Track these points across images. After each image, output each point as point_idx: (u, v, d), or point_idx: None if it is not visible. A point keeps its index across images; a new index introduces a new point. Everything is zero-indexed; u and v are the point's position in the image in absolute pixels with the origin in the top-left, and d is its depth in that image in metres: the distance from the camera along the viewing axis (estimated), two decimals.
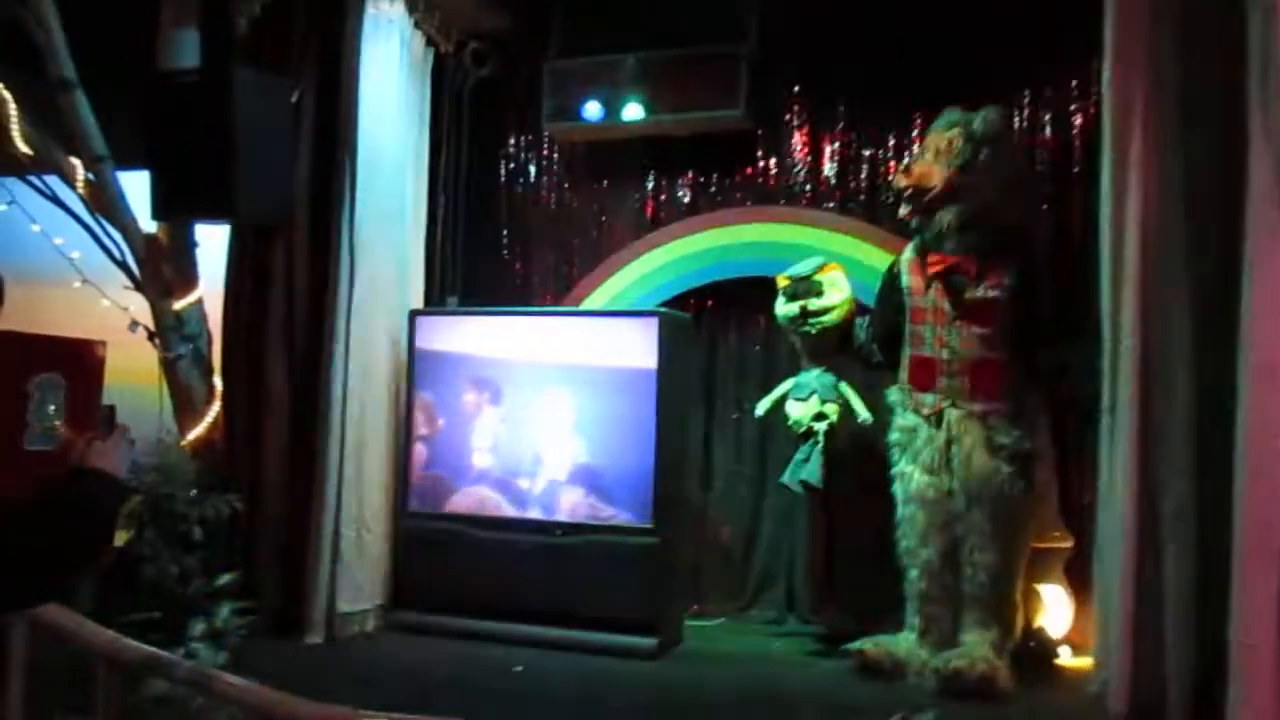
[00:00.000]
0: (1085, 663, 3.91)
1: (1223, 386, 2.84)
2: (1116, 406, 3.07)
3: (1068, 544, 4.01)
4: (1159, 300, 3.00)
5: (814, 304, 3.89)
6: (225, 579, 3.71)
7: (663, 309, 4.24)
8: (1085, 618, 4.09)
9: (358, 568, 4.00)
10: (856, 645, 3.70)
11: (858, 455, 4.11)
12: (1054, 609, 3.99)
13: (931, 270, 3.65)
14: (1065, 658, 3.93)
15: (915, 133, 4.41)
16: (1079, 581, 4.06)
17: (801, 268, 3.97)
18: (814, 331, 3.91)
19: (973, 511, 3.57)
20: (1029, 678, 3.57)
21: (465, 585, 4.03)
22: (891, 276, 3.82)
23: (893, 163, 4.42)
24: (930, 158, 3.61)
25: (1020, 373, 3.59)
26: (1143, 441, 2.99)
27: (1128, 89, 3.06)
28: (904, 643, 3.68)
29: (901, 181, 3.66)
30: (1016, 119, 4.25)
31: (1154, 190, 3.00)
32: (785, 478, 3.92)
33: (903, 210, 3.69)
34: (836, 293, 3.92)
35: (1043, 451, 3.73)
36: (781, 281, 4.00)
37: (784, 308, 3.97)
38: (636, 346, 3.99)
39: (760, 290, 4.62)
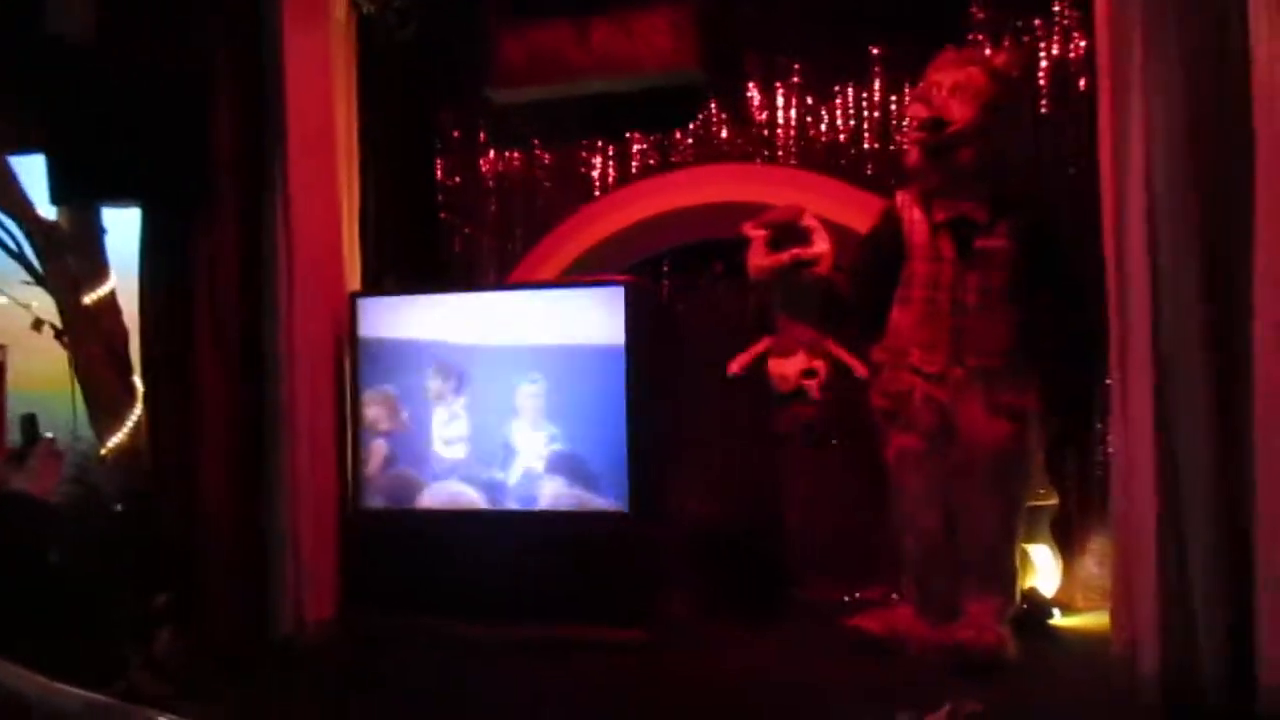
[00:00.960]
0: (1077, 622, 3.86)
1: (1238, 326, 2.74)
2: (1127, 359, 2.92)
3: (1053, 501, 3.90)
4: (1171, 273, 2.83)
5: (804, 251, 3.57)
6: (161, 599, 3.37)
7: (628, 277, 3.97)
8: (1073, 577, 4.04)
9: (318, 576, 3.67)
10: (855, 621, 3.52)
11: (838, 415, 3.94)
12: (1043, 569, 3.89)
13: (939, 217, 3.45)
14: (1058, 618, 3.84)
15: (877, 84, 4.25)
16: (1065, 540, 4.01)
17: (781, 214, 3.67)
18: (806, 281, 3.64)
19: (973, 475, 3.41)
20: (1029, 642, 3.44)
21: (439, 585, 3.75)
22: (890, 223, 3.58)
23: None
24: (947, 93, 3.36)
25: (1024, 329, 3.43)
26: (1159, 393, 2.85)
27: (1124, 20, 2.88)
28: (902, 615, 3.52)
29: (921, 112, 3.38)
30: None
31: (1157, 137, 2.83)
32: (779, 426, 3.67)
33: (918, 145, 3.41)
34: (822, 240, 3.64)
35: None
36: (755, 231, 3.66)
37: (768, 258, 3.62)
38: (605, 318, 3.72)
39: (719, 253, 4.44)
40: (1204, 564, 2.79)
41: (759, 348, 3.79)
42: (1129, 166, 2.86)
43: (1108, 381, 3.68)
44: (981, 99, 3.33)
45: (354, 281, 4.17)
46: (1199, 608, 2.79)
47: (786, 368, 3.70)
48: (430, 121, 4.77)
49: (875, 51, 4.23)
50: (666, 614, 3.87)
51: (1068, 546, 4.00)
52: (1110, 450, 3.35)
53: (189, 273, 3.71)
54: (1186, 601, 2.82)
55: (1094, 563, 4.07)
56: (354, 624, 3.82)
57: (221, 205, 3.67)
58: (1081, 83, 3.97)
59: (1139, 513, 2.88)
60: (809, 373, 3.66)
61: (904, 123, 3.60)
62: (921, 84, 3.47)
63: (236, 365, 3.71)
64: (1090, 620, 3.85)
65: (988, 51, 3.40)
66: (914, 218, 3.51)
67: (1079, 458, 4.05)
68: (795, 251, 3.57)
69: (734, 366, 3.78)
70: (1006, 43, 3.44)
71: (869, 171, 4.29)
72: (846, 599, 3.84)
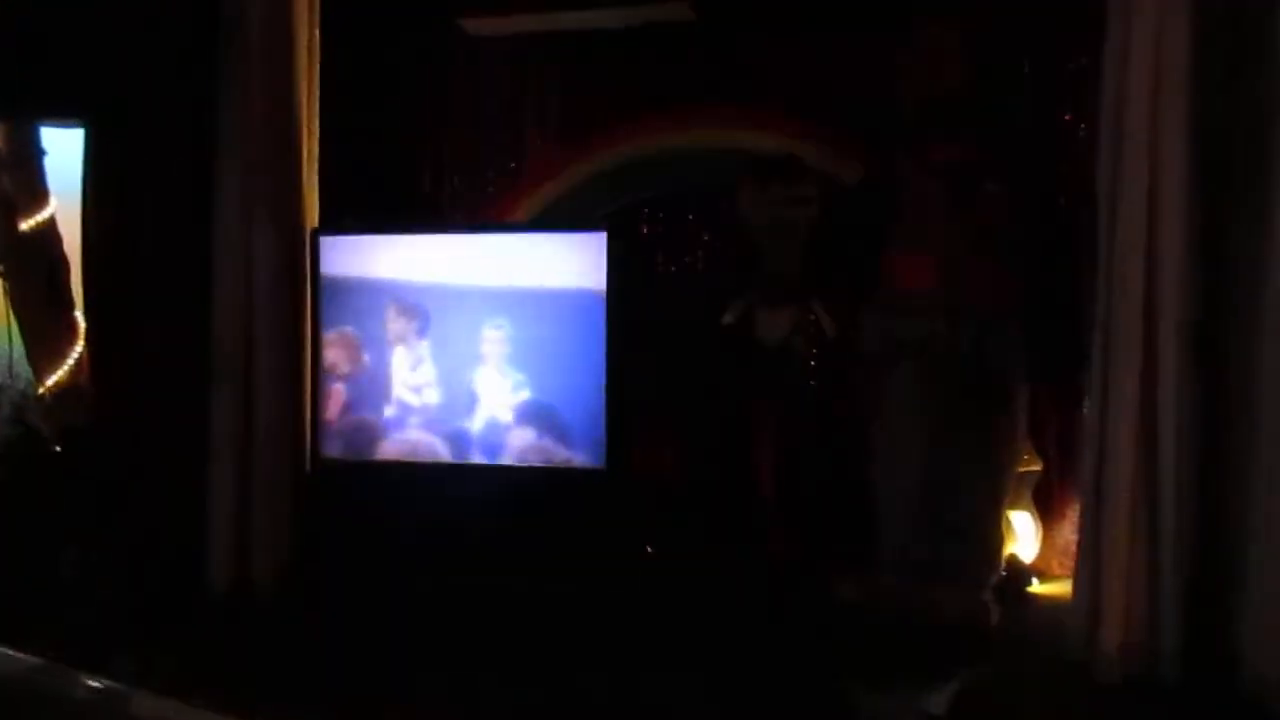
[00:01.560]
0: (1056, 589, 3.79)
1: (1230, 283, 2.63)
2: (1110, 320, 2.79)
3: (1036, 467, 3.80)
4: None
5: (800, 191, 3.46)
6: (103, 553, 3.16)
7: (610, 223, 3.77)
8: (1051, 543, 3.97)
9: (270, 529, 3.47)
10: (835, 587, 3.41)
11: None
12: (1023, 535, 3.80)
13: (932, 160, 3.32)
14: (1036, 585, 3.77)
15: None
16: (1046, 507, 3.93)
17: (775, 156, 3.55)
18: (800, 220, 3.49)
19: (959, 437, 3.30)
20: (1007, 610, 3.36)
21: (400, 538, 3.57)
22: (880, 169, 3.47)
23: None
24: (930, 65, 3.31)
25: (1013, 286, 3.31)
26: (1145, 360, 2.73)
27: None
28: (884, 582, 3.41)
29: (912, 92, 3.33)
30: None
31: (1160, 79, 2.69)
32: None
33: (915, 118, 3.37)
34: (812, 186, 3.52)
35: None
36: (749, 174, 3.56)
37: (762, 194, 3.51)
38: (583, 265, 3.53)
39: (699, 203, 4.26)
40: (1175, 541, 2.71)
41: (749, 298, 3.61)
42: (1127, 113, 2.72)
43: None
44: (966, 59, 3.27)
45: (313, 216, 3.92)
46: (1166, 583, 2.72)
47: (776, 322, 3.53)
48: (399, 50, 4.51)
49: None
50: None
51: (1047, 513, 3.93)
52: (1086, 414, 3.26)
53: (135, 199, 3.44)
54: (1154, 577, 2.74)
55: (1072, 530, 4.01)
56: (307, 578, 3.63)
57: (169, 127, 3.40)
58: None
59: (1112, 482, 2.78)
60: (804, 324, 3.50)
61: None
62: (907, 57, 3.34)
63: (185, 301, 3.47)
64: (1067, 587, 3.81)
65: None
66: (905, 163, 3.39)
67: (1061, 422, 3.98)
68: (789, 191, 3.47)
69: (728, 316, 3.61)
70: None
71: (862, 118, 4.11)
72: (822, 560, 3.71)
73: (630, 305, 3.73)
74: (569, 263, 3.58)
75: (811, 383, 3.45)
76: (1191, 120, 2.65)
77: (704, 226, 4.26)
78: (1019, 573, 3.69)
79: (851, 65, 4.10)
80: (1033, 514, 3.85)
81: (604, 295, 3.50)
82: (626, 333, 3.70)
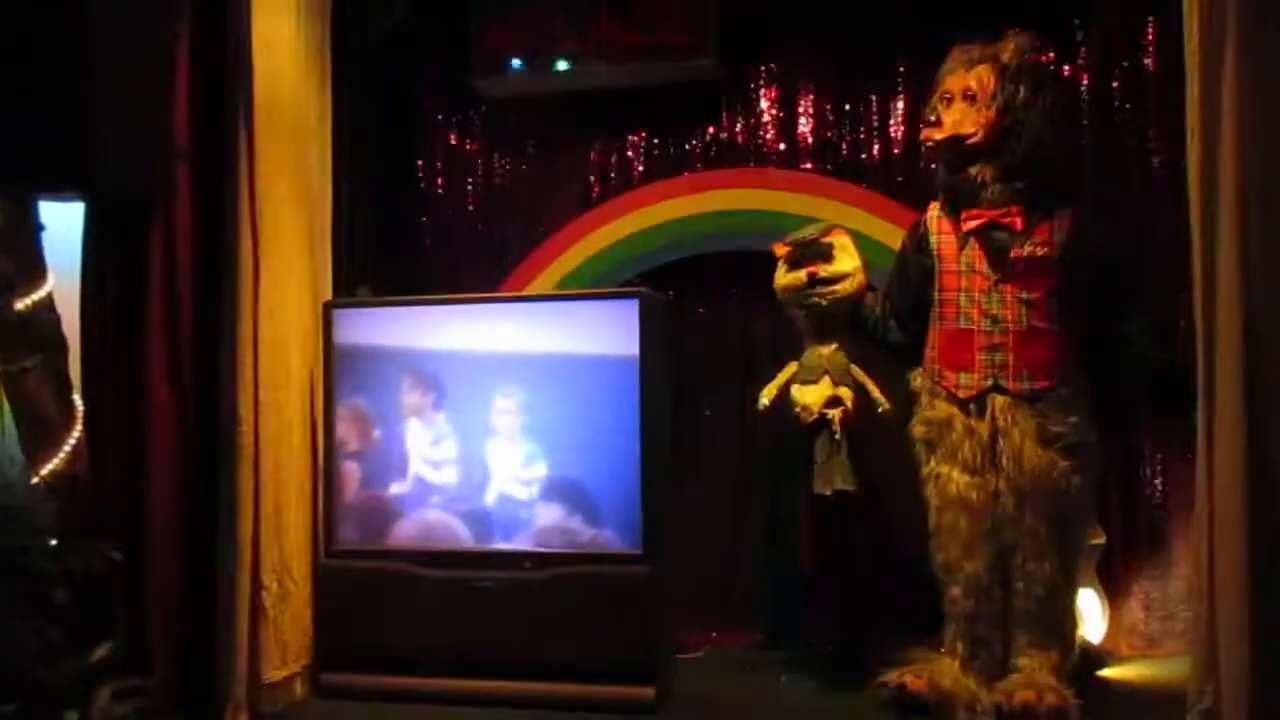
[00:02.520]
0: (1124, 673, 3.52)
1: None
2: (1214, 389, 2.56)
3: (1100, 540, 3.56)
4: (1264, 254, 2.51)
5: (824, 270, 3.30)
6: (101, 651, 2.89)
7: (642, 288, 3.57)
8: (1118, 622, 3.71)
9: (282, 625, 3.20)
10: (893, 677, 3.14)
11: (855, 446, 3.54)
12: (1090, 615, 3.54)
13: (967, 227, 3.13)
14: (1106, 670, 3.51)
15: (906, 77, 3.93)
16: (1112, 583, 3.68)
17: (807, 231, 3.38)
18: (824, 303, 3.30)
19: (1025, 515, 3.06)
20: (1084, 699, 3.08)
21: (416, 637, 3.30)
22: (917, 238, 3.28)
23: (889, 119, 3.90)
24: (959, 103, 3.09)
25: (1073, 348, 3.10)
26: (1250, 420, 2.50)
27: None
28: (947, 671, 3.14)
29: (935, 135, 3.11)
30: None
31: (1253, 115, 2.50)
32: (818, 485, 3.29)
33: (940, 169, 3.21)
34: (848, 259, 3.34)
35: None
36: (781, 249, 3.39)
37: (787, 276, 3.35)
38: (612, 333, 3.32)
39: (730, 268, 4.08)
40: None
41: (785, 374, 3.40)
42: (1220, 152, 2.52)
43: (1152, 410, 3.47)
44: (997, 102, 3.06)
45: (326, 290, 3.73)
46: None
47: (808, 395, 3.30)
48: (414, 115, 4.36)
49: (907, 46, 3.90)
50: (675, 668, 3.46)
51: (1114, 590, 3.68)
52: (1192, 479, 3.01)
53: (139, 275, 3.23)
54: (1275, 655, 2.48)
55: (1140, 606, 3.76)
56: (323, 683, 3.36)
57: (178, 201, 3.22)
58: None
59: (1226, 557, 2.53)
60: (833, 401, 3.27)
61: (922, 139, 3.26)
62: (933, 95, 3.17)
63: (192, 383, 3.24)
64: (1137, 670, 3.56)
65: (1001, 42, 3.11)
66: (943, 229, 3.21)
67: (1125, 491, 3.74)
68: (812, 269, 3.30)
69: (764, 398, 3.39)
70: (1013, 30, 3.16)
71: (899, 180, 3.96)
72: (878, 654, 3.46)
73: (666, 375, 3.54)
74: (602, 330, 3.37)
75: (843, 457, 3.21)
76: None
77: (731, 293, 4.10)
78: (1089, 656, 3.42)
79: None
80: (1099, 591, 3.60)
81: (638, 363, 3.29)
82: (665, 404, 3.49)
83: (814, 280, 3.30)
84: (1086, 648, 3.42)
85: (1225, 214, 2.52)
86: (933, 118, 3.13)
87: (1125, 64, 3.83)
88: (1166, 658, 3.62)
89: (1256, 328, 2.49)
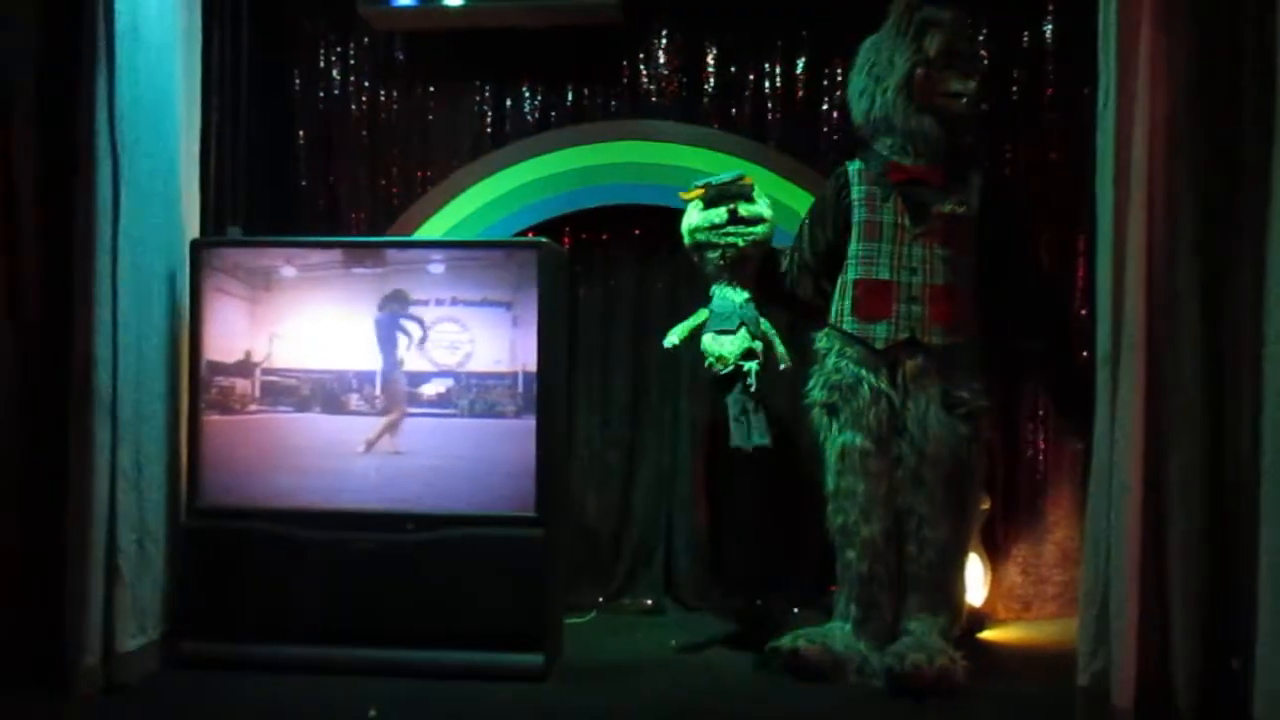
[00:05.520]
0: (1002, 635, 3.60)
1: (1240, 328, 2.46)
2: (1120, 357, 2.59)
3: (985, 506, 3.60)
4: (1169, 228, 2.54)
5: (745, 209, 3.19)
6: None
7: (540, 238, 3.40)
8: (998, 586, 3.79)
9: (141, 589, 2.94)
10: (785, 642, 3.11)
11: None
12: (973, 579, 3.60)
13: (895, 178, 3.12)
14: (985, 632, 3.58)
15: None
16: (992, 547, 3.74)
17: (723, 176, 3.27)
18: (742, 242, 3.19)
19: (925, 480, 3.07)
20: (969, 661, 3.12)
21: (288, 602, 3.09)
22: (838, 188, 3.23)
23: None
24: (963, 65, 3.14)
25: (975, 306, 3.14)
26: (1149, 394, 2.54)
27: None
28: (839, 635, 3.13)
29: (971, 86, 3.12)
30: None
31: (1164, 99, 2.52)
32: (736, 439, 3.18)
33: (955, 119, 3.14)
34: (765, 206, 3.25)
35: None
36: (691, 194, 3.25)
37: (702, 214, 3.20)
38: (504, 284, 3.17)
39: (626, 221, 3.95)
40: (1184, 586, 2.51)
41: (697, 319, 3.27)
42: (1134, 116, 2.53)
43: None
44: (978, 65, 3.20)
45: (193, 228, 3.42)
46: (1178, 636, 2.52)
47: (724, 346, 3.19)
48: (292, 45, 4.04)
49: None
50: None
51: (995, 555, 3.75)
52: (1081, 447, 3.10)
53: None
54: (1165, 628, 2.54)
55: (1018, 571, 3.85)
56: (181, 651, 3.11)
57: (18, 123, 2.88)
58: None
59: (1121, 524, 2.56)
60: (749, 353, 3.18)
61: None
62: (943, 54, 3.10)
63: (37, 327, 2.94)
64: (1014, 632, 3.65)
65: None
66: (868, 179, 3.18)
67: (1007, 457, 3.81)
68: (732, 207, 3.18)
69: (675, 337, 3.27)
70: None
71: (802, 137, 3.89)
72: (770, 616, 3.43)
73: (562, 325, 3.39)
74: (493, 279, 3.20)
75: (759, 413, 3.13)
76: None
77: (627, 248, 3.97)
78: (972, 619, 3.47)
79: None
80: (982, 556, 3.66)
81: (536, 315, 3.13)
82: (561, 358, 3.35)
83: (735, 218, 3.18)
84: (970, 611, 3.48)
85: (1137, 165, 2.54)
86: (968, 71, 3.13)
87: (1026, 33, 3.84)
88: (1040, 620, 3.72)
89: (1157, 286, 2.52)
